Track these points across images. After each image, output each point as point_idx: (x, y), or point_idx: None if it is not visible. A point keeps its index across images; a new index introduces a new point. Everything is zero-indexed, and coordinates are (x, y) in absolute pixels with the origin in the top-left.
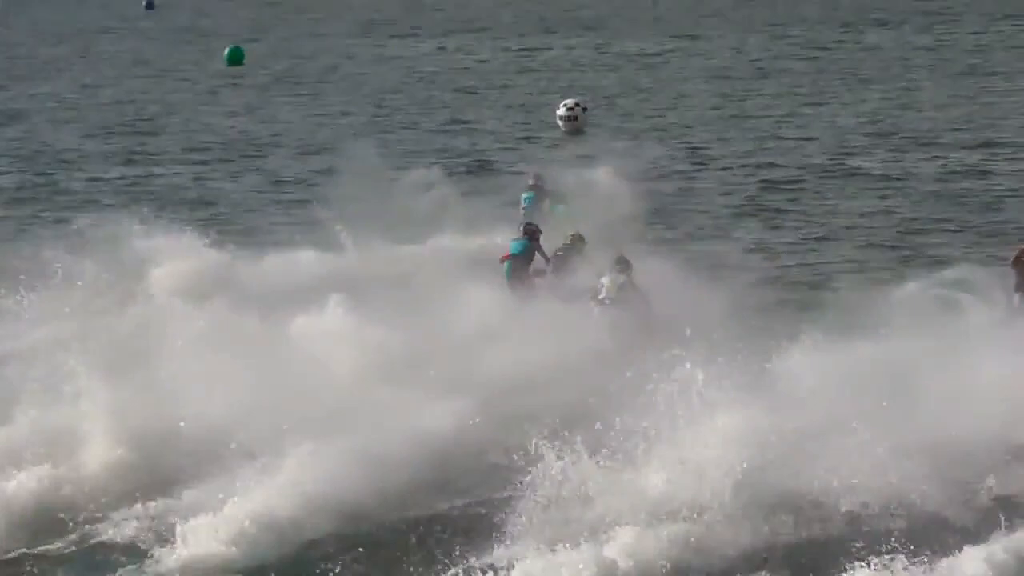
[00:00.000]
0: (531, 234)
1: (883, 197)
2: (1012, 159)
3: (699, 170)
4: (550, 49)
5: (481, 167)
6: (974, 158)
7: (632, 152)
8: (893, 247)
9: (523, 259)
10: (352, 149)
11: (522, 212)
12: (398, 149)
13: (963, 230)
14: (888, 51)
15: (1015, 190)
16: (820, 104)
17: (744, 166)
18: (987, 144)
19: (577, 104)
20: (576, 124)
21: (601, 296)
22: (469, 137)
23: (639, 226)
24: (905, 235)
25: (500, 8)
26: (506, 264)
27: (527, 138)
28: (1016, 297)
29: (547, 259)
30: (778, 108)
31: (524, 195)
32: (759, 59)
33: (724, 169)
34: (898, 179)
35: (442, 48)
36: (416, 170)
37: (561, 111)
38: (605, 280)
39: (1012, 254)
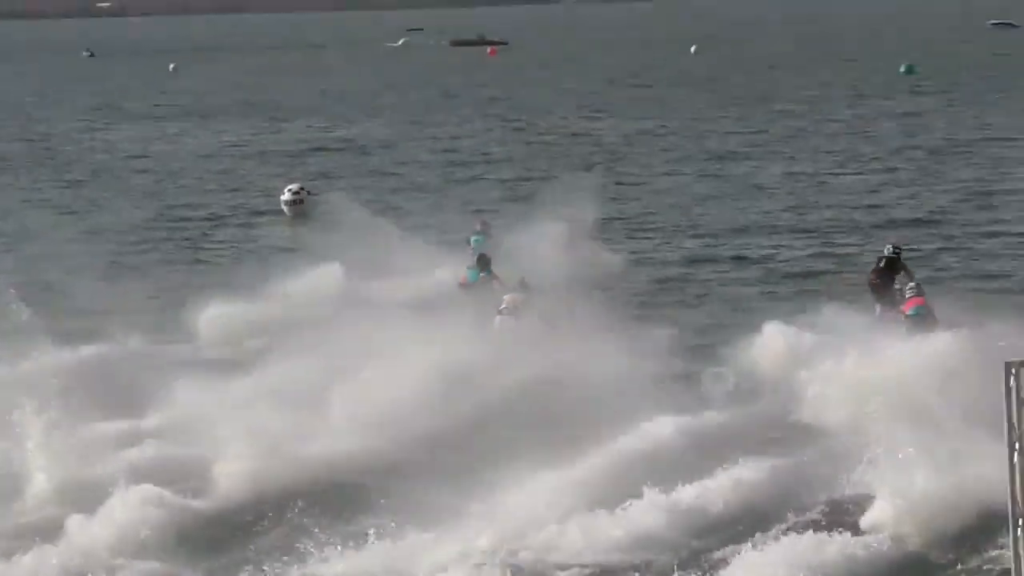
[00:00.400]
0: (486, 264)
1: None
2: (748, 247)
3: None
4: (275, 133)
5: (198, 251)
6: (712, 249)
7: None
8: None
9: (479, 285)
10: (60, 234)
11: (471, 250)
12: (113, 235)
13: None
14: (608, 136)
15: (738, 277)
16: (543, 186)
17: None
18: (714, 233)
19: (302, 188)
20: (301, 208)
21: (501, 308)
22: (192, 222)
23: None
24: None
25: (226, 93)
26: (465, 290)
27: (249, 224)
28: (877, 308)
29: (501, 283)
30: (500, 191)
31: (473, 237)
32: (486, 143)
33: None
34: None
35: (166, 133)
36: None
37: (286, 195)
38: (507, 297)
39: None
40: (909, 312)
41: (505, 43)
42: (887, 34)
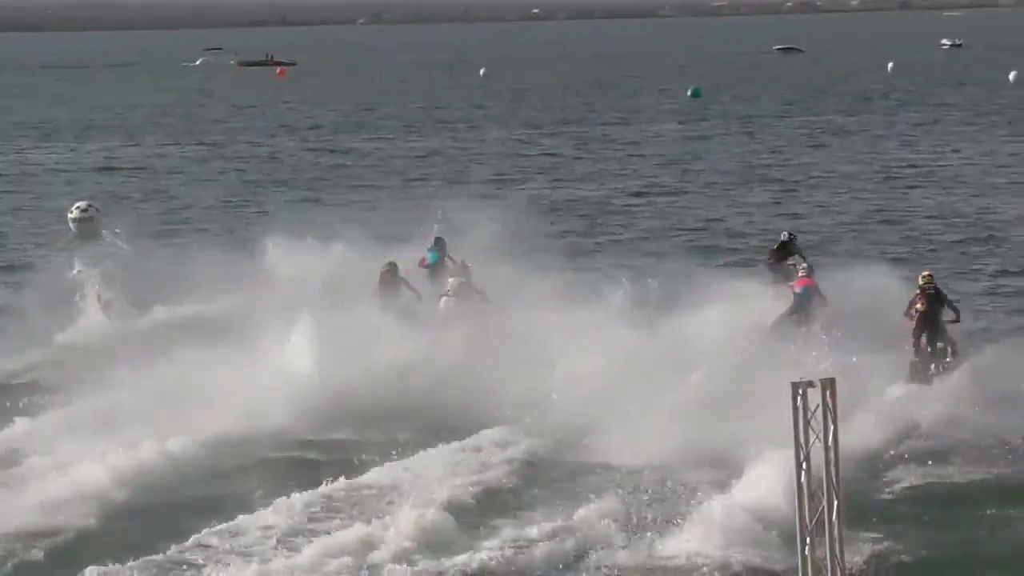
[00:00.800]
0: (442, 246)
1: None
2: None
3: None
4: (62, 152)
5: None
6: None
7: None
8: None
9: (438, 265)
10: None
11: (432, 234)
12: None
13: None
14: (398, 157)
15: None
16: (334, 206)
17: None
18: None
19: (91, 205)
20: (90, 225)
21: (446, 290)
22: None
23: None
24: None
25: (12, 111)
26: (428, 270)
27: (35, 243)
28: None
29: (454, 263)
30: (288, 211)
31: (435, 226)
32: (273, 163)
33: None
34: None
35: None
36: None
37: (74, 213)
38: (450, 280)
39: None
40: (797, 291)
41: (294, 63)
42: (677, 60)
